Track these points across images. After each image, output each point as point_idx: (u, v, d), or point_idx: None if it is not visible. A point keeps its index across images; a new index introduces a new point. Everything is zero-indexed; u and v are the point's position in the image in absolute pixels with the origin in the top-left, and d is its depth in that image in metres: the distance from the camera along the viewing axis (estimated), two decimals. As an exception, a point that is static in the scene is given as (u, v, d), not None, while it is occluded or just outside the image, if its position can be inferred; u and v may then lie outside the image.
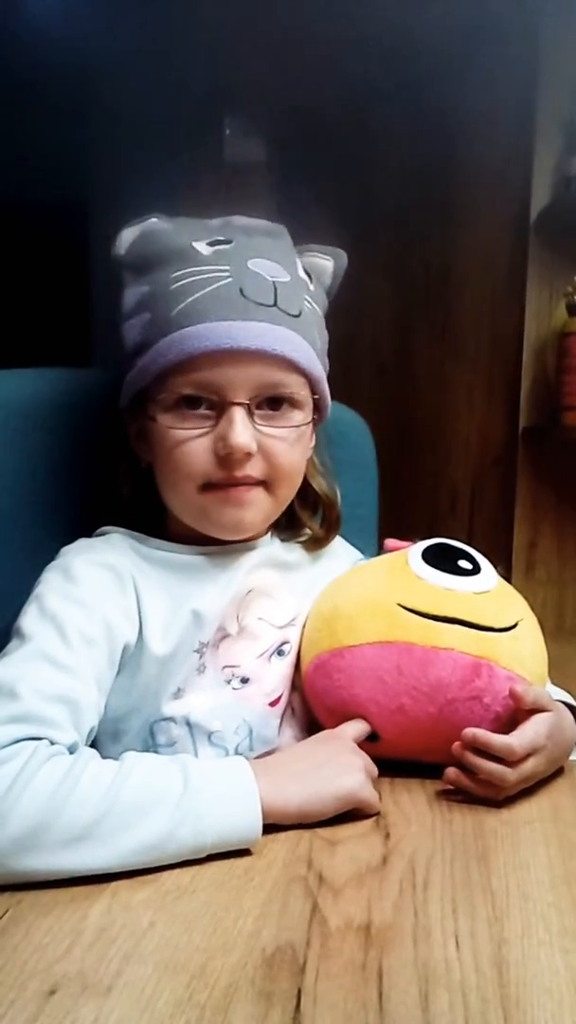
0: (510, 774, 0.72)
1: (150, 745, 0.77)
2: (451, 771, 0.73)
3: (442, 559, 0.81)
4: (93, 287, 2.84)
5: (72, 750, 0.66)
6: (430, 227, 2.05)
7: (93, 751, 0.66)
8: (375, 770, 0.73)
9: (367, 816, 0.70)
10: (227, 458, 0.74)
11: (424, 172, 2.05)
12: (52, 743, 0.64)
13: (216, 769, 0.66)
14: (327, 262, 0.84)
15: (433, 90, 1.94)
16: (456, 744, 0.73)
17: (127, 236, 0.79)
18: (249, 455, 0.74)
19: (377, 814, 0.71)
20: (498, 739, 0.72)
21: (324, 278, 0.84)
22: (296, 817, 0.67)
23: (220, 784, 0.64)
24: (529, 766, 0.73)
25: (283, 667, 0.83)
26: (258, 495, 0.77)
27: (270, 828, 0.65)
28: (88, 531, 0.83)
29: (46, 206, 3.20)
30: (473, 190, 1.93)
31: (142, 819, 0.60)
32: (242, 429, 0.73)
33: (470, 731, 0.72)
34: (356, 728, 0.76)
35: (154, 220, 0.79)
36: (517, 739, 0.72)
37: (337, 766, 0.70)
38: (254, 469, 0.76)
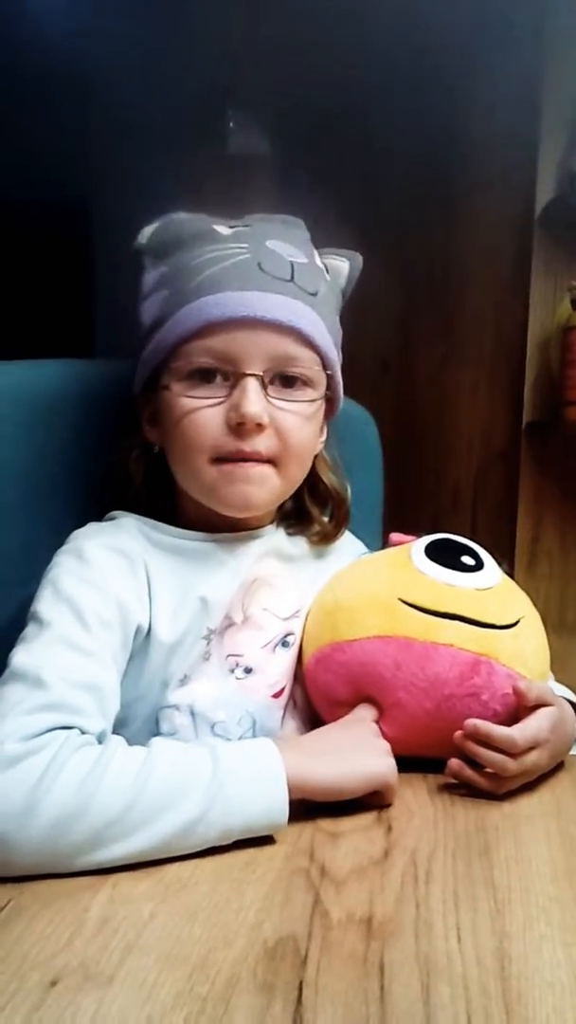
0: (512, 764, 0.72)
1: (154, 733, 0.77)
2: (453, 762, 0.73)
3: (445, 554, 0.81)
4: (96, 280, 2.85)
5: (100, 737, 0.66)
6: (434, 222, 2.04)
7: (120, 739, 0.66)
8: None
9: (376, 807, 0.70)
10: (239, 428, 0.74)
11: (428, 167, 2.04)
12: (82, 732, 0.64)
13: (244, 752, 0.66)
14: (342, 263, 0.85)
15: (438, 85, 1.94)
16: (457, 733, 0.73)
17: (148, 228, 0.80)
18: (260, 426, 0.74)
19: (390, 805, 0.71)
20: (500, 730, 0.72)
21: (339, 279, 0.84)
22: (325, 793, 0.67)
23: (248, 767, 0.64)
24: (531, 759, 0.73)
25: (287, 659, 0.83)
26: (267, 472, 0.77)
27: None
28: (95, 518, 0.83)
29: (49, 199, 3.19)
30: (477, 185, 1.93)
31: (173, 805, 0.61)
32: (255, 399, 0.73)
33: (472, 722, 0.72)
34: (370, 711, 0.77)
35: (176, 213, 0.80)
36: (519, 731, 0.72)
37: (367, 748, 0.72)
38: (264, 444, 0.75)
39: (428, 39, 1.87)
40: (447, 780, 0.75)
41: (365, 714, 0.77)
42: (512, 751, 0.72)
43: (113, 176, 2.68)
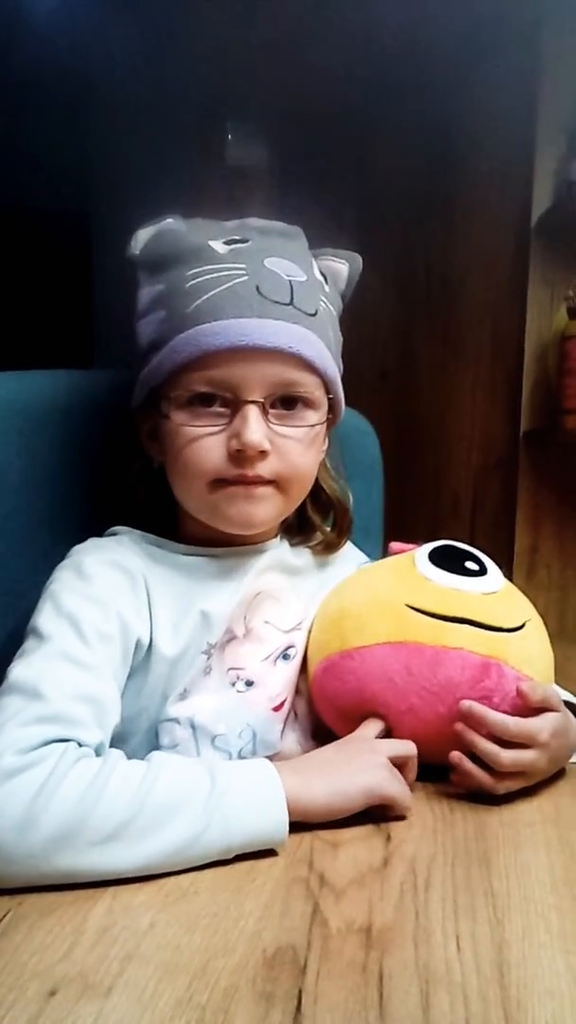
0: (504, 756, 0.72)
1: (154, 746, 0.77)
2: (455, 753, 0.73)
3: (449, 560, 0.81)
4: (96, 290, 2.86)
5: (99, 749, 0.66)
6: (431, 230, 2.05)
7: (120, 752, 0.66)
8: (411, 767, 0.73)
9: (387, 818, 0.70)
10: (240, 455, 0.74)
11: (426, 176, 2.05)
12: (80, 744, 0.64)
13: (242, 771, 0.66)
14: (342, 266, 0.84)
15: (435, 93, 1.95)
16: (457, 723, 0.73)
17: (142, 236, 0.79)
18: (263, 453, 0.74)
19: (404, 817, 0.70)
20: (493, 714, 0.72)
21: (339, 282, 0.84)
22: (322, 814, 0.67)
23: (246, 786, 0.64)
24: (528, 758, 0.73)
25: (288, 671, 0.83)
26: (269, 492, 0.77)
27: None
28: (96, 532, 0.82)
29: (50, 210, 3.21)
30: (474, 193, 1.94)
31: (171, 820, 0.61)
32: (256, 427, 0.73)
33: (466, 703, 0.73)
34: (374, 727, 0.76)
35: (169, 220, 0.79)
36: (514, 721, 0.72)
37: (358, 763, 0.70)
38: (266, 468, 0.75)
39: (425, 49, 1.88)
40: (446, 788, 0.75)
41: (367, 731, 0.76)
42: (503, 736, 0.72)
43: (113, 186, 2.69)
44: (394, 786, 0.70)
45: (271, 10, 1.93)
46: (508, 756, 0.72)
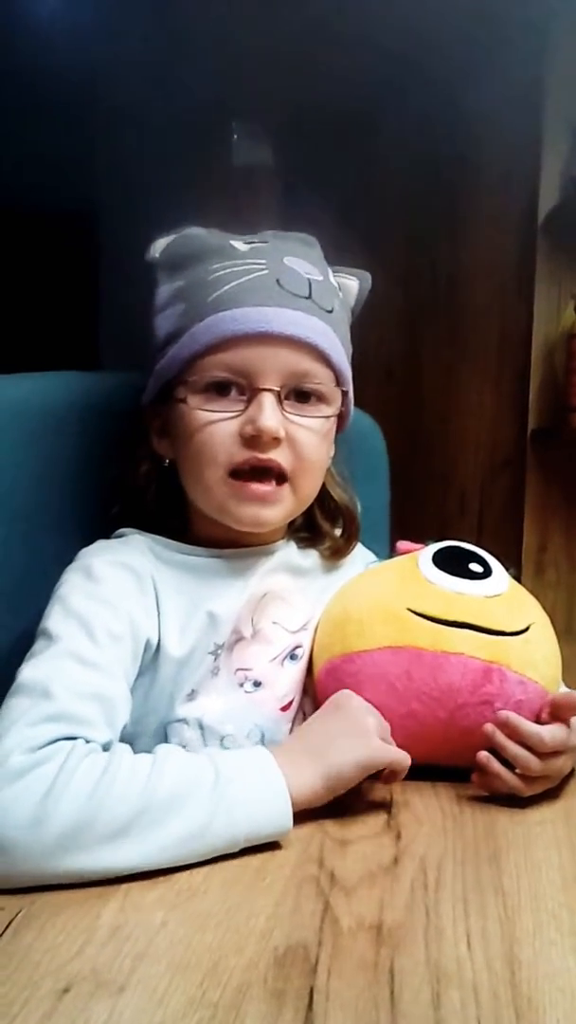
0: (536, 764, 0.72)
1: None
2: (482, 754, 0.73)
3: (453, 562, 0.80)
4: (103, 292, 2.86)
5: (107, 748, 0.66)
6: (437, 230, 2.05)
7: (126, 746, 0.66)
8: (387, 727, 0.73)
9: (384, 808, 0.70)
10: (254, 440, 0.74)
11: (431, 175, 2.05)
12: (88, 742, 0.65)
13: (242, 761, 0.67)
14: (352, 282, 0.85)
15: (440, 93, 1.95)
16: (487, 725, 0.73)
17: (162, 242, 0.80)
18: (277, 440, 0.75)
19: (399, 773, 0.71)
20: (529, 726, 0.72)
21: (348, 298, 0.85)
22: (325, 797, 0.68)
23: (248, 776, 0.65)
24: (558, 764, 0.73)
25: (295, 671, 0.83)
26: (280, 492, 0.77)
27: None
28: (104, 533, 0.83)
29: (56, 213, 3.22)
30: (480, 192, 1.94)
31: (179, 812, 0.61)
32: (271, 413, 0.74)
33: (503, 713, 0.73)
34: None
35: (191, 228, 0.80)
36: (548, 731, 0.72)
37: (350, 735, 0.71)
38: (280, 456, 0.76)
39: (430, 48, 1.88)
40: (456, 788, 0.75)
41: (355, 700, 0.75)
42: (539, 749, 0.72)
43: (119, 188, 2.69)
44: (388, 752, 0.71)
45: (276, 11, 1.94)
46: (540, 764, 0.72)
